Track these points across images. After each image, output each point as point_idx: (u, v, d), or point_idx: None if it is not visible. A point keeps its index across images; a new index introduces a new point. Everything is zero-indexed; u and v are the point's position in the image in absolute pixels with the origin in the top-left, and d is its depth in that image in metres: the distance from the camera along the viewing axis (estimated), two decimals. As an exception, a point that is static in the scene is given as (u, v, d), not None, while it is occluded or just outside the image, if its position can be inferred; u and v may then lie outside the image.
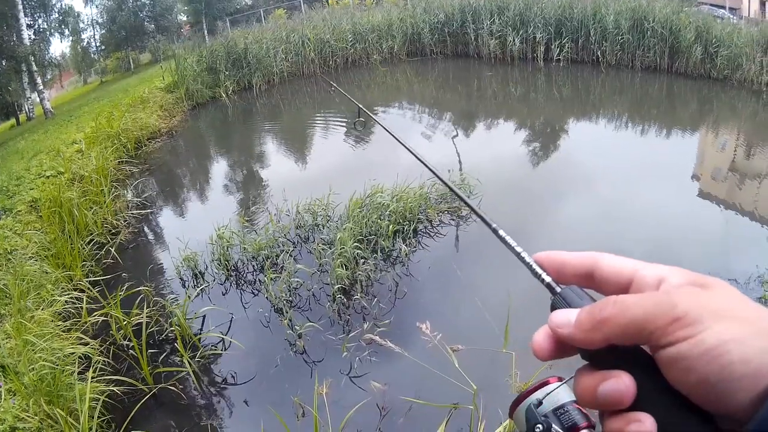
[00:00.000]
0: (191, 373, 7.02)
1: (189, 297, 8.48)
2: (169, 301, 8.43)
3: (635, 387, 0.72)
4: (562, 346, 0.81)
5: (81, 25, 38.33)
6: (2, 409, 5.76)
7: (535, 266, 0.90)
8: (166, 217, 12.80)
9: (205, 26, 37.30)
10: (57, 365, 6.46)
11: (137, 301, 8.21)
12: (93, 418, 5.88)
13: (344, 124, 19.85)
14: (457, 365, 5.33)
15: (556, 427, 0.96)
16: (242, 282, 9.43)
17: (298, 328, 7.81)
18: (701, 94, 22.84)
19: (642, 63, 24.36)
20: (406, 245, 9.90)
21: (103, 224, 11.11)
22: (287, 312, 8.22)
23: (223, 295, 9.12)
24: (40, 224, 10.91)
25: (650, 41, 23.87)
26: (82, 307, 8.11)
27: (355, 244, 9.44)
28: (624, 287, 0.82)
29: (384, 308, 8.41)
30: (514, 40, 25.65)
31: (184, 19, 42.68)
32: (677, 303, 0.71)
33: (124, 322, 7.71)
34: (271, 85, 24.13)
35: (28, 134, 23.05)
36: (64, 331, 7.56)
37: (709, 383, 0.68)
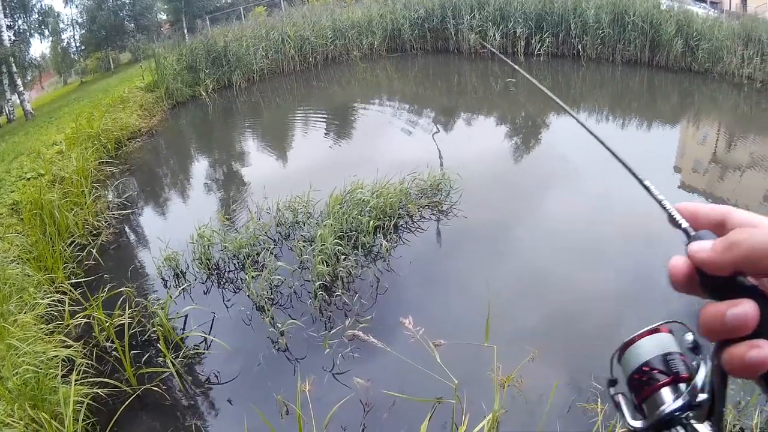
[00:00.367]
0: (174, 373, 7.04)
1: (170, 297, 8.46)
2: (151, 302, 8.43)
3: (759, 313, 0.78)
4: (693, 280, 0.87)
5: (61, 25, 38.07)
6: (-13, 415, 5.79)
7: (674, 213, 0.98)
8: (147, 217, 12.77)
9: (184, 25, 37.13)
10: (41, 369, 6.45)
11: (119, 302, 8.19)
12: (78, 421, 5.88)
13: (323, 120, 19.89)
14: (439, 360, 5.39)
15: (662, 370, 1.00)
16: (223, 280, 9.43)
17: (280, 325, 7.83)
18: (682, 87, 23.01)
19: (622, 57, 24.52)
20: (386, 241, 9.94)
21: (84, 226, 11.09)
22: (269, 310, 8.22)
23: (205, 294, 9.12)
24: (21, 227, 10.87)
25: (631, 35, 24.03)
26: (64, 310, 8.09)
27: (336, 240, 9.47)
28: None
29: (365, 304, 8.45)
30: (494, 35, 25.63)
31: (164, 17, 42.45)
32: None
33: (107, 324, 7.68)
34: (252, 83, 24.07)
35: (8, 136, 22.90)
36: (47, 334, 7.53)
37: None
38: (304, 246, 9.59)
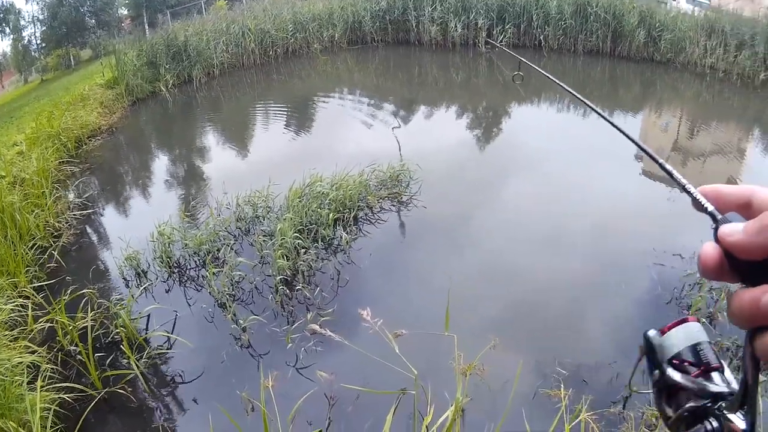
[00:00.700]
0: (139, 374, 7.04)
1: (132, 297, 8.48)
2: (113, 302, 8.38)
3: None
4: (724, 265, 0.84)
5: (22, 22, 37.66)
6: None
7: (699, 197, 0.94)
8: (108, 217, 12.67)
9: (145, 20, 36.65)
10: (6, 377, 6.44)
11: (82, 305, 8.14)
12: (45, 428, 5.88)
13: (284, 113, 19.90)
14: (397, 351, 5.47)
15: (693, 362, 0.99)
16: (185, 278, 9.44)
17: (242, 322, 7.87)
18: (644, 77, 23.32)
19: (584, 47, 24.87)
20: (346, 233, 10.04)
21: (45, 228, 10.96)
22: (230, 306, 8.26)
23: (167, 292, 9.12)
24: (-19, 231, 10.80)
25: (593, 26, 24.35)
26: (27, 315, 8.02)
27: (296, 234, 9.56)
28: None
29: (327, 297, 8.55)
30: (455, 26, 25.74)
31: (125, 12, 41.99)
32: None
33: (70, 327, 7.65)
34: (212, 78, 23.87)
35: (-32, 137, 22.77)
36: (11, 341, 7.48)
37: None
38: (264, 240, 9.64)
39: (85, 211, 12.11)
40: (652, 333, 1.07)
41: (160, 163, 16.48)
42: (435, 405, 5.78)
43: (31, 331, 7.78)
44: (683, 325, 1.04)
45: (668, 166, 1.07)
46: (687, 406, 0.96)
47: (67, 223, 11.52)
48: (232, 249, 9.67)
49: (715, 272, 0.85)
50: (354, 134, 16.18)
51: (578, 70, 23.83)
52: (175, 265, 9.72)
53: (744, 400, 0.88)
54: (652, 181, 12.50)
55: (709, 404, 0.94)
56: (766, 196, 0.88)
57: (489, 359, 6.65)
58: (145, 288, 9.11)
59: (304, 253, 9.31)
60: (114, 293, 9.16)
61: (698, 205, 0.93)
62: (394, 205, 11.27)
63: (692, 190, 0.96)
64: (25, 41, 37.99)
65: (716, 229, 0.86)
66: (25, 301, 8.37)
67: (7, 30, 35.68)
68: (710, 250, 0.85)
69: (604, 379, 6.93)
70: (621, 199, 11.66)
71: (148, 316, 8.32)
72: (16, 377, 6.55)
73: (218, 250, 9.72)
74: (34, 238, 10.49)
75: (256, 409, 6.21)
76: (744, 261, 0.81)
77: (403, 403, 6.12)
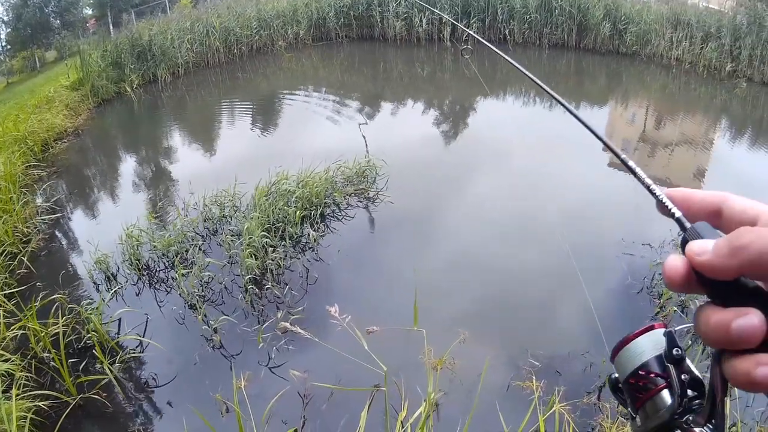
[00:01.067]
0: (113, 379, 7.05)
1: (103, 301, 8.48)
2: (84, 307, 8.33)
3: (766, 325, 0.72)
4: (691, 280, 0.81)
5: (-14, 25, 37.37)
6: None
7: (666, 201, 0.91)
8: (76, 220, 12.60)
9: (110, 19, 36.27)
10: (-19, 387, 6.48)
11: (53, 310, 8.12)
12: (23, 437, 5.91)
13: (249, 112, 19.91)
14: (366, 347, 5.54)
15: (660, 373, 0.95)
16: (155, 280, 9.43)
17: (213, 322, 7.91)
18: (610, 69, 23.64)
19: (549, 41, 25.22)
20: (314, 230, 10.09)
21: (14, 233, 10.90)
22: (201, 307, 8.29)
23: (137, 295, 9.11)
24: (-50, 239, 10.73)
25: (558, 19, 24.67)
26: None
27: (263, 233, 9.60)
28: (751, 223, 0.82)
29: (296, 295, 8.61)
30: (420, 22, 25.91)
31: (90, 12, 41.58)
32: None
33: (42, 334, 7.63)
34: (177, 77, 23.70)
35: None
36: (-17, 350, 7.54)
37: None
38: (232, 240, 9.67)
39: (53, 216, 12.04)
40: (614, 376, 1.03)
41: (127, 165, 16.36)
42: (409, 400, 5.86)
43: (4, 339, 7.73)
44: (649, 333, 1.00)
45: (631, 163, 1.07)
46: (659, 413, 0.94)
47: (35, 228, 11.46)
48: (200, 249, 9.70)
49: (682, 286, 0.82)
50: (319, 131, 16.19)
51: (544, 64, 23.96)
52: (145, 267, 9.69)
53: (713, 413, 0.86)
54: (619, 172, 12.64)
55: (676, 417, 0.92)
56: (737, 205, 0.86)
57: (460, 353, 6.75)
58: (115, 291, 9.08)
59: (273, 252, 9.35)
60: (85, 298, 9.15)
61: (664, 210, 0.91)
62: (360, 201, 11.35)
63: (658, 192, 0.95)
64: (-11, 44, 37.68)
65: (684, 240, 0.84)
66: (-5, 309, 8.34)
67: (-27, 33, 35.45)
68: (677, 263, 0.82)
69: (577, 370, 7.04)
70: (589, 190, 11.80)
71: (120, 319, 8.29)
72: (-9, 387, 6.56)
73: (186, 251, 9.74)
74: (3, 245, 10.37)
75: (231, 410, 6.21)
76: (713, 279, 0.78)
77: (377, 399, 6.20)
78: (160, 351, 7.63)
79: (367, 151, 12.62)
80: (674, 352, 0.95)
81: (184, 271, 8.95)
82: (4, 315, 8.11)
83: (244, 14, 26.30)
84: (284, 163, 11.72)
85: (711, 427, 0.87)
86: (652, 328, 1.00)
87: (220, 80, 24.30)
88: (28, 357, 7.51)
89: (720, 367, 0.79)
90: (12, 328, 7.89)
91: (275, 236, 9.81)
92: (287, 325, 6.38)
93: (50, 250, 10.99)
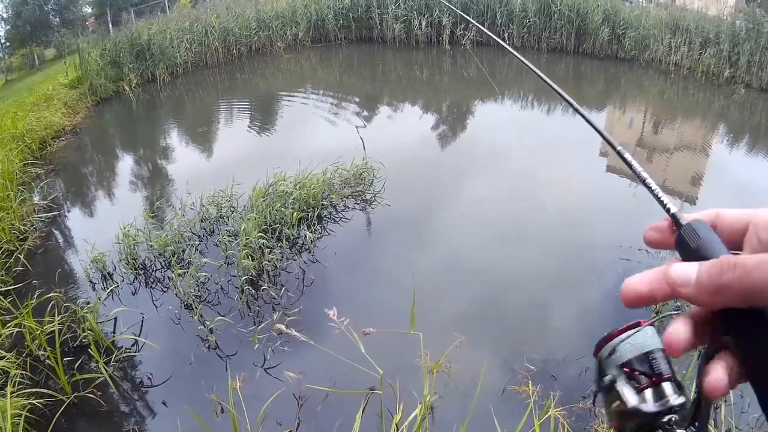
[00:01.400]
0: (108, 378, 7.04)
1: (99, 299, 8.46)
2: (80, 306, 8.34)
3: (729, 377, 0.76)
4: (651, 298, 0.83)
5: (-15, 21, 37.23)
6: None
7: (661, 195, 0.92)
8: (73, 219, 12.59)
9: (109, 18, 36.12)
10: (-25, 384, 6.47)
11: (49, 308, 8.11)
12: (17, 434, 5.90)
13: (247, 112, 19.90)
14: (363, 350, 5.54)
15: (644, 371, 0.92)
16: (151, 280, 9.43)
17: (208, 323, 7.91)
18: (608, 74, 23.69)
19: (548, 44, 25.28)
20: (311, 232, 10.08)
21: (10, 231, 10.87)
22: (197, 307, 8.30)
23: (133, 294, 9.10)
24: (-53, 235, 10.71)
25: (557, 23, 24.68)
26: (-5, 320, 7.99)
27: (260, 234, 9.61)
28: (740, 232, 0.83)
29: (293, 297, 8.60)
30: (420, 24, 25.87)
31: (89, 11, 41.43)
32: None
33: (38, 332, 7.61)
34: (175, 77, 23.65)
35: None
36: (-21, 347, 7.52)
37: None
38: (229, 241, 9.66)
39: (50, 214, 12.02)
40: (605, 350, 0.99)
41: (125, 164, 16.37)
42: (404, 403, 5.83)
43: (-1, 336, 7.76)
44: (634, 330, 0.97)
45: (627, 155, 1.05)
46: (642, 412, 0.90)
47: (32, 225, 11.43)
48: (197, 250, 9.68)
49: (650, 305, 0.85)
50: (317, 132, 16.17)
51: (542, 67, 23.76)
52: (141, 266, 9.69)
53: (696, 417, 0.87)
54: (618, 177, 12.65)
55: (659, 417, 0.89)
56: (728, 218, 0.85)
57: (456, 356, 6.74)
58: (111, 290, 9.07)
59: (269, 253, 9.35)
60: (81, 296, 9.16)
61: (661, 204, 0.92)
62: (358, 204, 11.36)
63: (654, 186, 0.95)
64: (-10, 40, 37.59)
65: (679, 237, 0.85)
66: (-9, 306, 8.33)
67: (-29, 29, 35.35)
68: (643, 290, 0.84)
69: (572, 375, 7.03)
70: (587, 194, 11.83)
71: (115, 318, 8.28)
72: (-14, 384, 6.55)
73: (183, 251, 9.72)
74: None
75: (226, 411, 6.22)
76: None
77: (372, 402, 6.18)
78: (155, 351, 7.62)
79: (365, 154, 12.59)
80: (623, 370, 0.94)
81: (180, 271, 8.95)
82: (0, 312, 8.09)
83: (243, 15, 26.24)
84: (282, 164, 11.73)
85: (693, 429, 0.87)
86: (638, 324, 0.98)
87: (218, 80, 24.26)
88: (24, 355, 7.50)
89: (704, 373, 0.81)
90: (8, 325, 7.88)
91: (272, 237, 9.81)
92: (282, 327, 6.36)
93: (47, 248, 10.98)
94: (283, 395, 6.55)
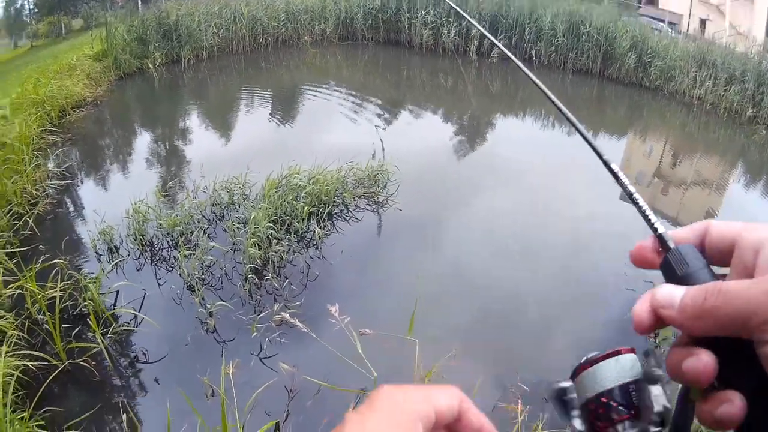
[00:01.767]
0: (103, 349, 7.06)
1: (103, 271, 8.52)
2: (84, 275, 8.37)
3: (714, 367, 0.72)
4: (662, 321, 0.79)
5: (15, -15, 37.07)
6: None
7: (649, 213, 0.92)
8: (85, 189, 12.62)
9: (140, -6, 36.29)
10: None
11: (52, 274, 8.13)
12: (7, 393, 5.91)
13: (269, 102, 19.89)
14: (360, 350, 5.55)
15: (622, 403, 0.86)
16: (156, 258, 9.46)
17: (209, 306, 7.94)
18: (632, 101, 23.54)
19: (574, 66, 24.93)
20: (320, 228, 10.09)
21: (22, 194, 10.93)
22: (199, 290, 8.32)
23: (138, 270, 9.13)
24: (-42, 192, 10.72)
25: (585, 45, 24.42)
26: (-2, 280, 8.04)
27: (269, 224, 9.59)
28: (728, 251, 0.81)
29: (295, 290, 8.61)
30: (448, 32, 25.78)
31: (120, -15, 41.38)
32: None
33: (39, 296, 7.65)
34: (200, 59, 23.57)
35: (-49, 98, 22.47)
36: (-22, 305, 7.55)
37: None
38: (237, 228, 9.69)
39: (63, 182, 12.04)
40: (565, 384, 0.97)
41: (142, 140, 16.42)
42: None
43: (0, 296, 7.77)
44: (614, 358, 0.90)
45: (614, 165, 1.06)
46: None
47: (44, 191, 11.44)
48: (205, 233, 9.69)
49: (650, 332, 0.82)
50: (336, 129, 16.13)
51: (566, 88, 23.87)
52: (148, 243, 9.72)
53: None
54: (631, 205, 12.64)
55: None
56: (716, 232, 0.84)
57: (450, 368, 6.71)
58: (116, 264, 9.10)
59: (276, 244, 9.37)
60: (85, 266, 9.20)
61: (648, 223, 0.92)
62: (369, 205, 11.35)
63: (641, 203, 0.96)
64: (18, 5, 37.53)
65: (665, 261, 0.84)
66: (-5, 265, 8.35)
67: (1, -8, 35.23)
68: (643, 313, 0.80)
69: (564, 400, 7.02)
70: (598, 219, 11.75)
71: (117, 292, 8.30)
72: (-18, 342, 6.57)
73: (191, 233, 9.73)
74: (10, 204, 10.40)
75: (216, 395, 6.20)
76: None
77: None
78: (153, 328, 7.61)
79: (383, 155, 12.60)
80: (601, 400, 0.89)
81: (186, 253, 8.97)
82: (2, 272, 8.12)
83: (272, 5, 26.13)
84: (298, 158, 11.75)
85: None
86: (618, 353, 0.90)
87: (242, 67, 24.26)
88: (23, 317, 7.52)
89: (685, 405, 0.80)
90: (9, 286, 7.91)
91: (281, 229, 9.81)
92: (285, 315, 6.40)
93: (56, 215, 11.00)
94: (275, 386, 6.56)
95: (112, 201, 11.08)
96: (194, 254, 8.95)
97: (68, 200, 11.83)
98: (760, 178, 17.66)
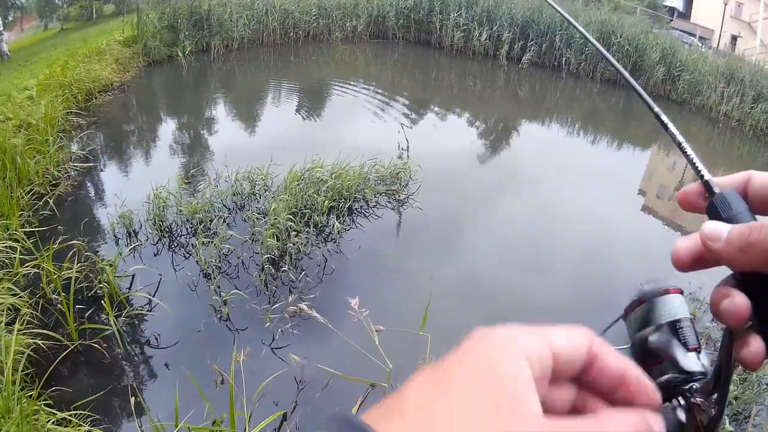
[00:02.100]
0: (116, 332, 7.09)
1: (120, 254, 8.54)
2: (101, 258, 8.43)
3: (747, 308, 0.75)
4: (701, 259, 0.83)
5: (49, -31, 37.14)
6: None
7: (697, 162, 0.94)
8: (107, 173, 12.65)
9: (172, -18, 36.38)
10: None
11: (69, 255, 8.18)
12: (17, 371, 5.91)
13: (296, 95, 19.88)
14: (377, 343, 5.53)
15: (673, 340, 0.93)
16: (174, 244, 9.48)
17: (224, 294, 7.93)
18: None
19: (603, 75, 24.79)
20: (339, 222, 10.08)
21: (44, 174, 10.96)
22: (215, 278, 8.32)
23: (155, 255, 9.15)
24: (-19, 170, 10.75)
25: (615, 55, 24.13)
26: (15, 258, 8.06)
27: (289, 216, 9.59)
28: None
29: (311, 282, 8.61)
30: (480, 36, 25.77)
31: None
32: None
33: (55, 276, 7.69)
34: (230, 50, 23.60)
35: (-19, 76, 22.53)
36: (-5, 281, 7.58)
37: None
38: (257, 218, 9.69)
39: (85, 164, 12.08)
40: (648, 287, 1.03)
41: (166, 127, 16.49)
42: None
43: (16, 274, 7.78)
44: (666, 297, 0.99)
45: (663, 117, 1.11)
46: (663, 379, 0.92)
47: (66, 173, 11.48)
48: (224, 222, 9.71)
49: (689, 269, 0.87)
50: (361, 126, 16.19)
51: (593, 97, 23.84)
52: (167, 229, 9.74)
53: (716, 388, 0.88)
54: (652, 218, 12.57)
55: (681, 383, 0.91)
56: (760, 179, 0.87)
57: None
58: (134, 248, 9.15)
59: (295, 236, 9.35)
60: (102, 249, 9.22)
61: (696, 171, 0.94)
62: (390, 202, 11.33)
63: (689, 152, 0.99)
64: (50, -13, 37.60)
65: (711, 205, 0.86)
66: (14, 243, 8.36)
67: (33, -25, 35.30)
68: (685, 248, 0.86)
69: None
70: (617, 231, 11.70)
71: (133, 275, 8.33)
72: (-5, 317, 6.59)
73: (211, 221, 9.74)
74: (31, 183, 10.44)
75: (226, 382, 6.21)
76: None
77: (371, 398, 6.19)
78: (167, 313, 7.64)
79: (408, 154, 12.58)
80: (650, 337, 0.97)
81: (205, 240, 8.98)
82: (20, 251, 8.15)
83: (304, 0, 26.14)
84: (321, 152, 11.73)
85: (713, 399, 0.88)
86: (667, 292, 1.00)
87: (272, 60, 24.30)
88: (37, 296, 7.57)
89: (729, 343, 0.82)
90: (26, 264, 7.94)
91: (300, 221, 9.79)
92: (303, 306, 6.38)
93: (77, 197, 11.05)
94: (285, 376, 6.57)
95: (133, 186, 11.11)
96: (212, 242, 8.96)
97: (89, 183, 11.87)
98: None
